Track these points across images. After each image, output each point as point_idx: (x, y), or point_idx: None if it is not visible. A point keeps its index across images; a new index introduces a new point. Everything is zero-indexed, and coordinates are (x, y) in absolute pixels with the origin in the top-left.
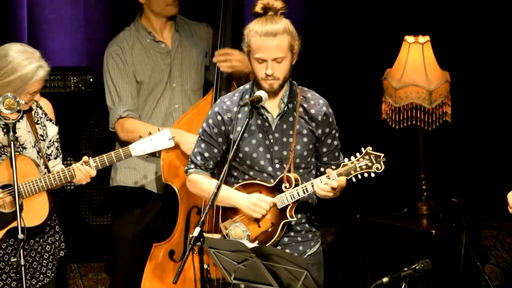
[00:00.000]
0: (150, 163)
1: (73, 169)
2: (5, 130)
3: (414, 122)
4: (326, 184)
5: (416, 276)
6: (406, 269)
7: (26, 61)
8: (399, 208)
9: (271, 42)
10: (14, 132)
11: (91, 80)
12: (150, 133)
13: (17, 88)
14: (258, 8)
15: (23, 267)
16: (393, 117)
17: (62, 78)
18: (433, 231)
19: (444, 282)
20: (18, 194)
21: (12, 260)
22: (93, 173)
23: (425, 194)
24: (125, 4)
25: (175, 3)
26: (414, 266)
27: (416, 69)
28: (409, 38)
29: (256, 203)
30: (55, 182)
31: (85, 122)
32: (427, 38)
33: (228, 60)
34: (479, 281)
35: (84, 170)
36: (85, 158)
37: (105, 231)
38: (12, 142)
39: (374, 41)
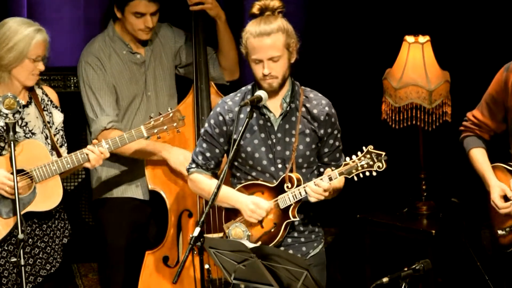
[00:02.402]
0: (132, 172)
1: (85, 153)
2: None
3: (414, 122)
4: (317, 185)
5: (416, 276)
6: (406, 269)
7: (24, 26)
8: (399, 208)
9: (265, 41)
10: (14, 132)
11: None
12: (160, 113)
13: (19, 53)
14: (254, 9)
15: (23, 267)
16: (393, 117)
17: (62, 78)
18: (433, 231)
19: (444, 282)
20: (32, 180)
21: (12, 260)
22: (107, 154)
23: (425, 194)
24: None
25: (146, 29)
26: (414, 266)
27: (416, 69)
28: (409, 38)
29: (253, 209)
30: (68, 165)
31: (85, 122)
32: (427, 38)
33: None
34: (479, 281)
35: (97, 151)
36: (94, 141)
37: None
38: (12, 142)
39: (374, 41)
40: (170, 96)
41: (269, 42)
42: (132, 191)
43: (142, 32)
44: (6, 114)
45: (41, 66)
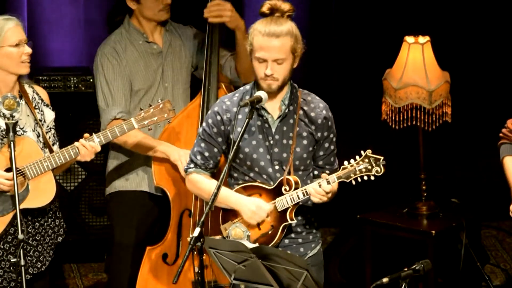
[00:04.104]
0: (144, 166)
1: (76, 147)
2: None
3: (414, 123)
4: (321, 187)
5: (416, 276)
6: (406, 269)
7: None
8: (399, 208)
9: (273, 42)
10: (14, 132)
11: (91, 80)
12: (150, 105)
13: None
14: (265, 9)
15: (23, 267)
16: (393, 118)
17: (62, 78)
18: (433, 231)
19: (444, 282)
20: (24, 177)
21: (12, 260)
22: (98, 148)
23: (425, 194)
24: (125, 4)
25: (166, 8)
26: (414, 266)
27: (416, 69)
28: (409, 38)
29: (254, 211)
30: (60, 161)
31: (85, 122)
32: (427, 38)
33: (219, 10)
34: (479, 281)
35: (88, 146)
36: (86, 134)
37: (105, 231)
38: (12, 143)
39: (374, 41)
40: (184, 90)
41: (277, 44)
42: (145, 185)
43: (163, 12)
44: (8, 115)
45: (27, 50)
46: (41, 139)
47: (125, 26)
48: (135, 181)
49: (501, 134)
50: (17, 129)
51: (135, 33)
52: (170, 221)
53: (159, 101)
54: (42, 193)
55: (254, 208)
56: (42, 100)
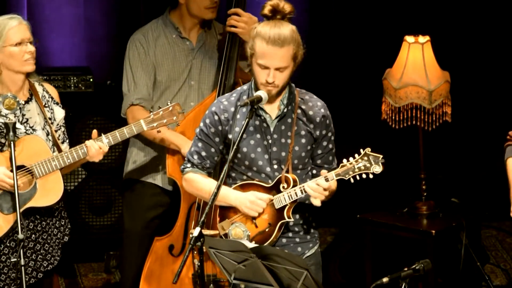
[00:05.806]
0: (160, 159)
1: (85, 146)
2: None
3: (414, 122)
4: (318, 184)
5: (416, 276)
6: (406, 269)
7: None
8: (399, 208)
9: (277, 52)
10: (14, 132)
11: (91, 80)
12: (159, 107)
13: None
14: (266, 10)
15: (23, 267)
16: (393, 117)
17: (62, 78)
18: (433, 231)
19: (444, 282)
20: (32, 176)
21: (12, 260)
22: (106, 148)
23: (425, 194)
24: (126, 4)
25: (213, 6)
26: (414, 266)
27: (416, 69)
28: (409, 38)
29: (253, 201)
30: (68, 160)
31: (85, 122)
32: (427, 38)
33: (235, 20)
34: (479, 281)
35: (96, 146)
36: (94, 132)
37: (105, 231)
38: (12, 142)
39: (374, 41)
40: (211, 91)
41: (280, 53)
42: (158, 178)
43: (208, 11)
44: (6, 115)
45: (30, 48)
46: (50, 137)
47: (163, 17)
48: (147, 172)
49: (508, 137)
50: (27, 127)
51: (170, 26)
52: (179, 213)
53: (169, 103)
54: (49, 192)
55: (253, 197)
56: (52, 98)
